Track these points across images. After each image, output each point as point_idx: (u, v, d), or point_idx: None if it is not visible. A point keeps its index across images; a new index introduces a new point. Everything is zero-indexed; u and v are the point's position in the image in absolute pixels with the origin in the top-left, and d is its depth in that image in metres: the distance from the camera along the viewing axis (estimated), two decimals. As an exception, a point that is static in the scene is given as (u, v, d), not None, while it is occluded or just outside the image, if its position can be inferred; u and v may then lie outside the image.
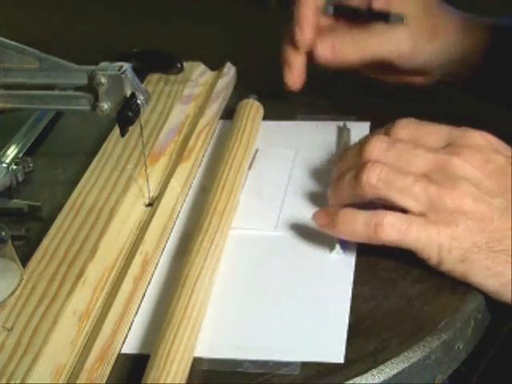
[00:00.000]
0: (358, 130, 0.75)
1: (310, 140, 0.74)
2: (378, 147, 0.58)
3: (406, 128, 0.59)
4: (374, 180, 0.56)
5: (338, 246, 0.59)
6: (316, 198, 0.65)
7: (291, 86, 0.75)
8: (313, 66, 0.76)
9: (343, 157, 0.62)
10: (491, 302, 0.57)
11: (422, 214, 0.55)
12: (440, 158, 0.56)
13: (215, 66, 0.84)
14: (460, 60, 0.76)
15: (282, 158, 0.72)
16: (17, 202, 0.68)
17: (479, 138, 0.58)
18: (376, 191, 0.56)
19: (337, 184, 0.60)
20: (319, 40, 0.73)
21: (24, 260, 0.58)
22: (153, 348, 0.51)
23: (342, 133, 0.73)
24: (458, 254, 0.54)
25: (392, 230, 0.55)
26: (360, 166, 0.57)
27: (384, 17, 0.73)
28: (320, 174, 0.68)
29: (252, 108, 0.75)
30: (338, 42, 0.73)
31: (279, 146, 0.73)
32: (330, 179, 0.62)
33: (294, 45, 0.74)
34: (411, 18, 0.73)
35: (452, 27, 0.76)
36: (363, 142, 0.59)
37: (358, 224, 0.56)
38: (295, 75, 0.75)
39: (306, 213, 0.62)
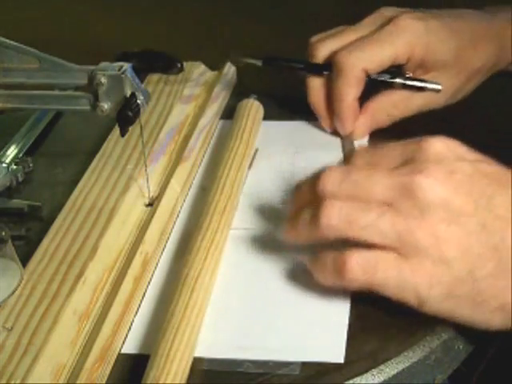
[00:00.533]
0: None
1: (310, 140, 0.74)
2: (333, 178, 0.53)
3: (361, 155, 0.55)
4: (335, 221, 0.51)
5: None
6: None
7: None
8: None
9: (298, 190, 0.57)
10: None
11: (392, 250, 0.50)
12: (400, 181, 0.51)
13: (215, 66, 0.84)
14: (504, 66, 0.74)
15: (281, 157, 0.72)
16: (17, 202, 0.68)
17: (438, 146, 0.52)
18: (338, 233, 0.51)
19: (292, 224, 0.55)
20: (358, 127, 0.72)
21: (24, 260, 0.58)
22: (153, 348, 0.51)
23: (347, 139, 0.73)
24: (440, 291, 0.49)
25: (357, 270, 0.50)
26: (316, 205, 0.52)
27: (419, 86, 0.71)
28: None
29: (252, 108, 0.75)
30: (374, 121, 0.72)
31: (279, 145, 0.73)
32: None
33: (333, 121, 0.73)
34: (447, 72, 0.71)
35: (489, 55, 0.72)
36: (317, 174, 0.54)
37: (324, 267, 0.53)
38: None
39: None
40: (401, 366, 0.51)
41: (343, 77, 0.69)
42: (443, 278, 0.49)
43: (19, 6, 1.10)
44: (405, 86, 0.71)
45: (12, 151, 0.73)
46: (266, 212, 0.65)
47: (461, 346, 0.54)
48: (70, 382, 0.51)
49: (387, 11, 0.72)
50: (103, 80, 0.59)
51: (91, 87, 0.60)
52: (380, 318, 0.54)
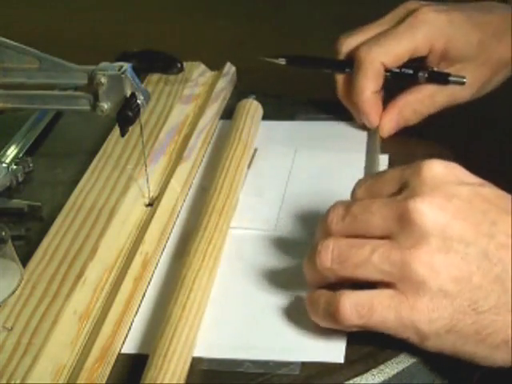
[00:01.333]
0: (358, 130, 0.75)
1: (309, 140, 0.74)
2: (336, 215, 0.51)
3: (362, 186, 0.54)
4: (328, 263, 0.50)
5: None
6: (316, 198, 0.65)
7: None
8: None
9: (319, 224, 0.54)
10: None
11: (389, 285, 0.48)
12: (396, 208, 0.49)
13: (215, 66, 0.84)
14: None
15: (281, 156, 0.72)
16: (17, 202, 0.68)
17: (436, 170, 0.50)
18: (334, 273, 0.50)
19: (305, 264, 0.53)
20: (384, 122, 0.72)
21: (24, 260, 0.58)
22: (151, 348, 0.51)
23: (372, 137, 0.73)
24: (441, 326, 0.47)
25: (352, 315, 0.49)
26: (313, 247, 0.51)
27: (443, 78, 0.71)
28: (320, 173, 0.68)
29: (251, 107, 0.75)
30: (401, 118, 0.72)
31: (278, 145, 0.73)
32: (330, 179, 0.62)
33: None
34: (471, 65, 0.71)
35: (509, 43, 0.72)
36: (323, 217, 0.53)
37: (319, 309, 0.51)
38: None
39: (305, 212, 0.62)
40: (401, 366, 0.51)
41: (362, 70, 0.70)
42: (443, 312, 0.47)
43: (19, 5, 1.10)
44: (428, 80, 0.71)
45: (12, 151, 0.73)
46: (266, 211, 0.65)
47: (461, 346, 0.54)
48: (70, 382, 0.51)
49: (411, 4, 0.73)
50: (103, 80, 0.59)
51: (91, 87, 0.60)
52: (380, 318, 0.54)
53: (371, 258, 0.48)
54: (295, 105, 0.78)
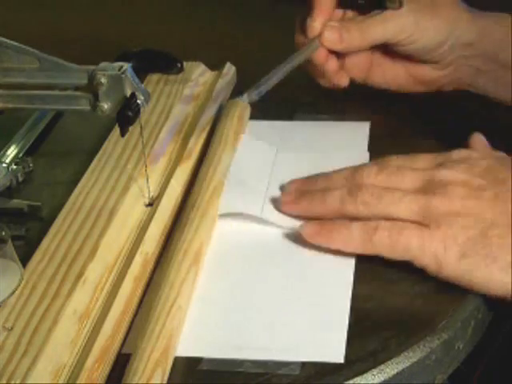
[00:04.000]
0: (358, 130, 0.75)
1: (309, 140, 0.74)
2: (370, 171, 0.61)
3: (394, 160, 0.62)
4: (367, 197, 0.59)
5: None
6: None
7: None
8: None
9: (330, 175, 0.64)
10: (491, 302, 0.57)
11: (415, 223, 0.57)
12: (427, 173, 0.59)
13: (215, 66, 0.84)
14: (474, 47, 0.75)
15: (263, 154, 0.71)
16: (17, 202, 0.68)
17: (465, 152, 0.61)
18: (369, 208, 0.59)
19: (322, 197, 0.61)
20: (326, 27, 0.74)
21: (24, 260, 0.58)
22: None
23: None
24: (455, 251, 0.55)
25: (383, 234, 0.57)
26: (353, 186, 0.60)
27: (381, 2, 0.73)
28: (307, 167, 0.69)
29: (236, 107, 0.74)
30: (344, 28, 0.74)
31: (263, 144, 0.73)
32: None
33: (305, 32, 0.75)
34: None
35: (454, 8, 0.75)
36: (354, 168, 0.62)
37: (353, 230, 0.58)
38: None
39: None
40: (401, 366, 0.51)
41: None
42: (457, 239, 0.55)
43: (19, 5, 1.10)
44: (367, 4, 0.74)
45: (12, 151, 0.73)
46: (251, 198, 0.65)
47: (461, 346, 0.54)
48: (70, 382, 0.51)
49: None
50: (103, 80, 0.59)
51: (91, 87, 0.60)
52: (380, 318, 0.54)
53: (403, 198, 0.58)
54: (295, 105, 0.78)
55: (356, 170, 0.62)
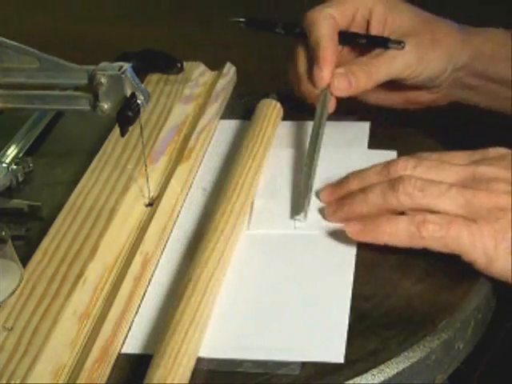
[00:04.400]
0: (358, 129, 0.75)
1: (308, 140, 0.74)
2: (406, 164, 0.60)
3: (429, 155, 0.62)
4: (410, 189, 0.58)
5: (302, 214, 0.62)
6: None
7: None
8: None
9: (362, 173, 0.63)
10: (491, 302, 0.57)
11: (459, 217, 0.57)
12: (467, 168, 0.59)
13: (215, 66, 0.84)
14: (467, 68, 0.75)
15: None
16: (17, 202, 0.68)
17: (502, 150, 0.61)
18: (412, 200, 0.58)
19: (364, 196, 0.61)
20: (335, 75, 0.73)
21: (24, 260, 0.58)
22: (159, 346, 0.51)
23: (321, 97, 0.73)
24: (505, 246, 0.55)
25: (434, 227, 0.56)
26: (393, 180, 0.59)
27: (383, 42, 0.73)
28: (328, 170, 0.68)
29: (272, 108, 0.75)
30: (350, 72, 0.73)
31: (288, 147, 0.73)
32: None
33: (312, 81, 0.74)
34: (411, 33, 0.73)
35: (451, 35, 0.75)
36: (389, 163, 0.62)
37: (400, 224, 0.57)
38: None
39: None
40: (401, 366, 0.51)
41: (317, 25, 0.73)
42: (507, 233, 0.55)
43: (19, 6, 1.11)
44: (369, 43, 0.74)
45: (12, 151, 0.73)
46: (281, 212, 0.65)
47: (461, 346, 0.54)
48: (70, 382, 0.51)
49: None
50: (103, 80, 0.59)
51: (91, 87, 0.60)
52: (380, 318, 0.54)
53: (449, 191, 0.57)
54: (295, 105, 0.78)
55: (389, 164, 0.62)
